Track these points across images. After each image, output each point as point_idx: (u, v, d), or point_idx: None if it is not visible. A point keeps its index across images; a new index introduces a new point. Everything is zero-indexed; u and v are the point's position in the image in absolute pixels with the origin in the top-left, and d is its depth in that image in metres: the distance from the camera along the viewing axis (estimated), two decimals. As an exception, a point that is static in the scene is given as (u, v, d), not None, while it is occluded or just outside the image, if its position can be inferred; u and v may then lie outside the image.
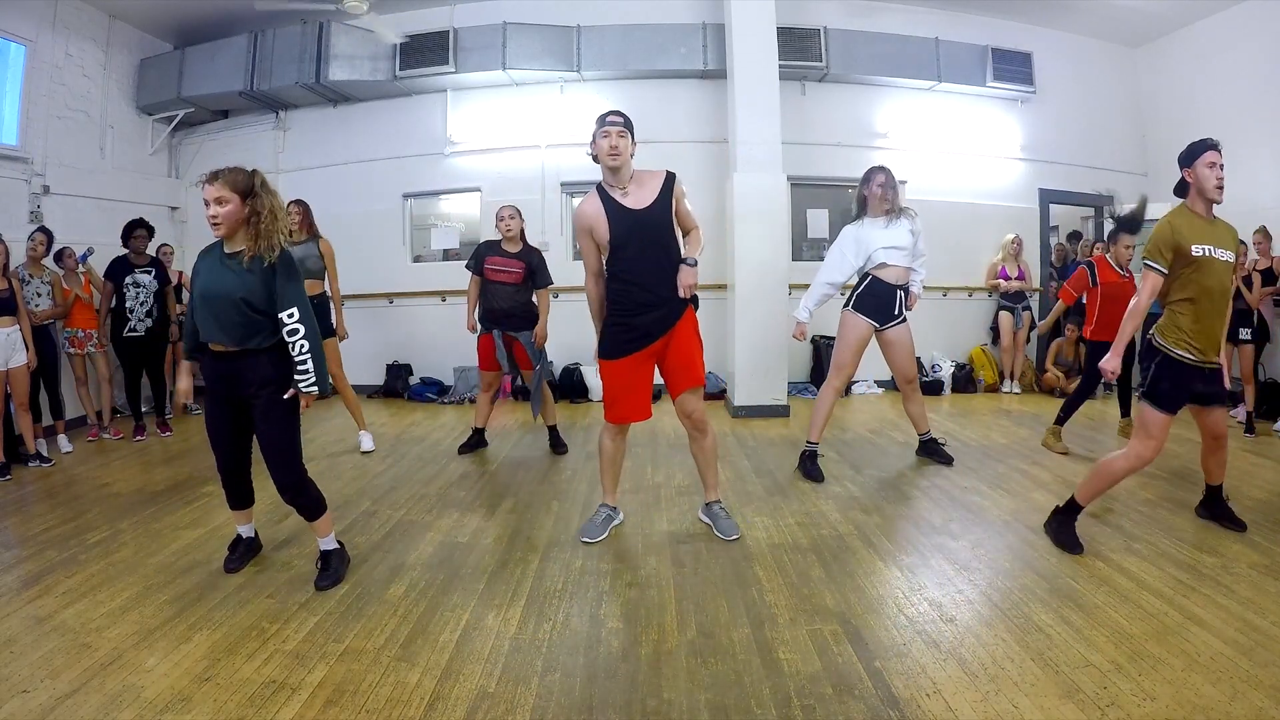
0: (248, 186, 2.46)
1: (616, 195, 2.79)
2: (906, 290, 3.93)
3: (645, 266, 2.78)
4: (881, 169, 3.94)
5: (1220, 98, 6.33)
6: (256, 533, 2.92)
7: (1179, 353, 2.70)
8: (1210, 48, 6.44)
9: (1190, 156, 2.69)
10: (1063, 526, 2.84)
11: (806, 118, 6.65)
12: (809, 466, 3.92)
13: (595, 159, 2.82)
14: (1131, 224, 4.26)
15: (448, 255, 7.14)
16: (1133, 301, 2.73)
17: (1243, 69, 6.09)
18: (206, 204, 2.44)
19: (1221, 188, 2.64)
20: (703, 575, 2.66)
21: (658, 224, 2.78)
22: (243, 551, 2.83)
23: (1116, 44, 7.28)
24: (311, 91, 6.67)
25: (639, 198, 2.78)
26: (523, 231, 4.40)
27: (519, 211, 4.41)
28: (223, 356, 2.51)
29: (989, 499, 3.49)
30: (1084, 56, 7.21)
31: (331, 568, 2.66)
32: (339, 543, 2.76)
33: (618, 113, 2.79)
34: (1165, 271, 2.67)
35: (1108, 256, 4.52)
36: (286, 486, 2.59)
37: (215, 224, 2.44)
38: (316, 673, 2.02)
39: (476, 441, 4.66)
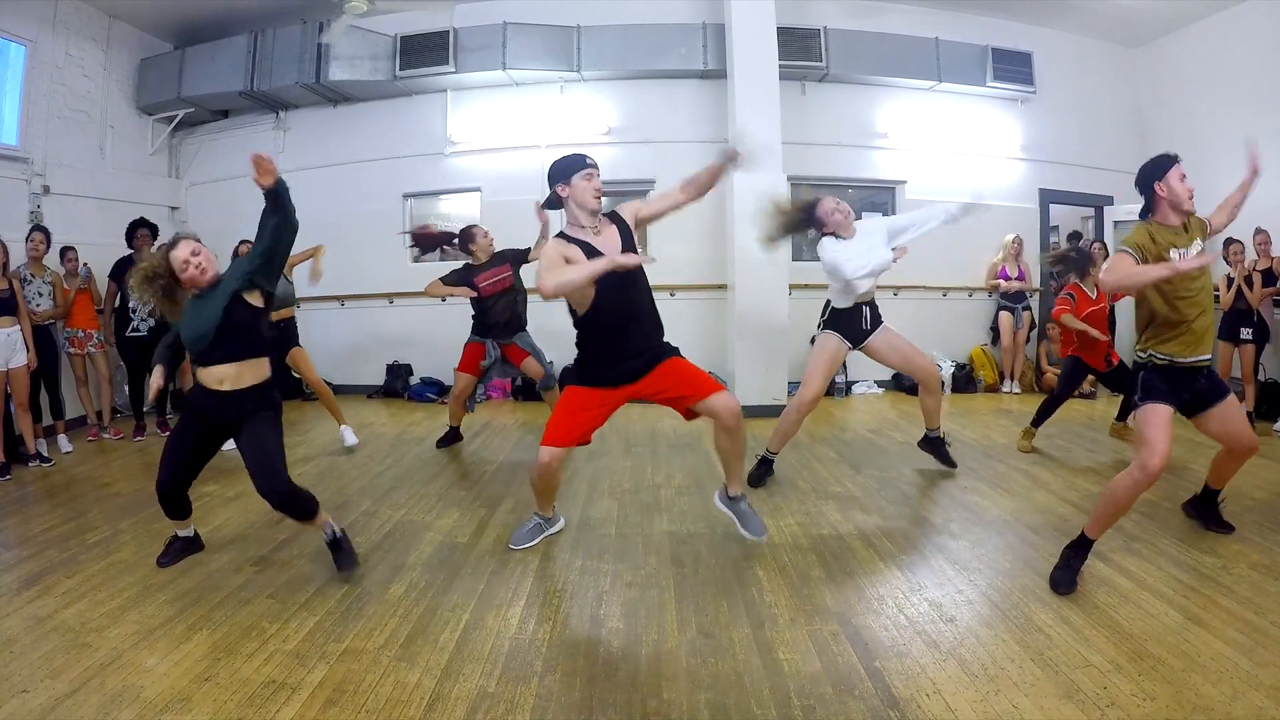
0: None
1: (589, 238, 2.64)
2: (872, 304, 3.74)
3: (624, 315, 2.66)
4: (828, 197, 3.71)
5: (1220, 98, 6.33)
6: (196, 532, 2.89)
7: (1160, 357, 2.62)
8: (1210, 48, 6.44)
9: (1160, 170, 2.61)
10: (1067, 564, 2.59)
11: (806, 118, 6.64)
12: (758, 472, 3.79)
13: (552, 205, 2.74)
14: (1081, 261, 4.31)
15: (446, 255, 7.13)
16: (1109, 279, 2.55)
17: (1243, 69, 6.08)
18: (186, 263, 2.56)
19: (1192, 197, 2.60)
20: (703, 575, 2.66)
21: (635, 270, 2.62)
22: (179, 549, 2.82)
23: (1116, 44, 7.27)
24: (311, 91, 6.67)
25: (608, 239, 2.67)
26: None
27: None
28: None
29: (989, 499, 3.49)
30: (1084, 56, 7.21)
31: (345, 551, 2.68)
32: (340, 529, 2.74)
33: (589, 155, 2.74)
34: (1140, 259, 2.55)
35: (1083, 285, 4.48)
36: (275, 493, 2.52)
37: (202, 271, 2.56)
38: (316, 673, 2.02)
39: (453, 437, 4.74)
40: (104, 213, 6.05)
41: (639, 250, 2.66)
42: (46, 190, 5.67)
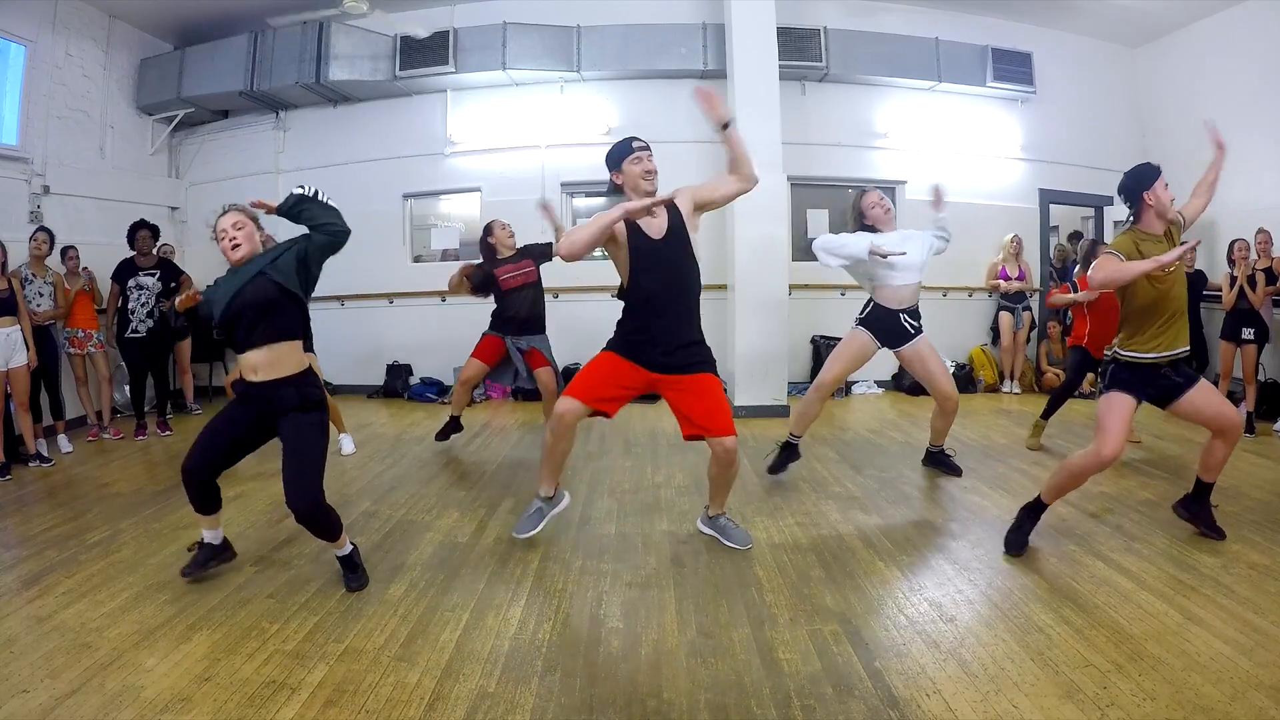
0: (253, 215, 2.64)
1: (642, 220, 2.66)
2: (915, 312, 3.77)
3: (655, 300, 2.69)
4: (873, 191, 3.85)
5: (1220, 98, 6.32)
6: (226, 539, 2.74)
7: (1145, 356, 2.70)
8: (1210, 48, 6.44)
9: (1149, 180, 2.72)
10: (1020, 524, 2.82)
11: (806, 118, 6.64)
12: (780, 458, 3.85)
13: (614, 190, 2.71)
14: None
15: (447, 255, 7.14)
16: (1096, 275, 2.69)
17: (1243, 69, 6.08)
18: (224, 233, 2.53)
19: (1173, 203, 2.74)
20: (703, 575, 2.66)
21: (678, 254, 2.70)
22: (204, 557, 2.64)
23: (1116, 44, 7.27)
24: (311, 91, 6.67)
25: (659, 225, 2.69)
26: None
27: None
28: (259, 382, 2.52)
29: (989, 499, 3.49)
30: (1084, 56, 7.21)
31: (358, 568, 2.61)
32: (352, 544, 2.66)
33: (640, 138, 2.74)
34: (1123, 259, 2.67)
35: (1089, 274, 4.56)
36: (303, 511, 2.43)
37: (236, 246, 2.53)
38: (316, 673, 2.02)
39: (453, 428, 4.70)
40: (104, 213, 6.05)
41: (690, 236, 2.73)
42: (46, 190, 5.67)
